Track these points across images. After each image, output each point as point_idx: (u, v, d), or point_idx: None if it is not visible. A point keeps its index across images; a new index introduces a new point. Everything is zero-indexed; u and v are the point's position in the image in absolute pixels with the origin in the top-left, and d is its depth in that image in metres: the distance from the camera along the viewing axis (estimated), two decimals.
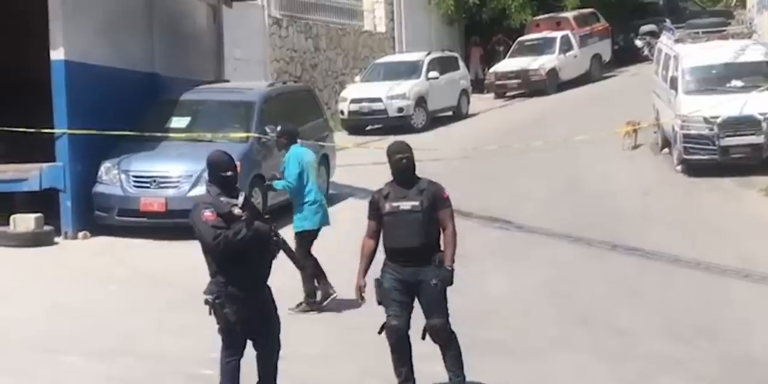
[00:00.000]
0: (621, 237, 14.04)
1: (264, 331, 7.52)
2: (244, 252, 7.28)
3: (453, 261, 7.86)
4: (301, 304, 10.84)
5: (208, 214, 7.28)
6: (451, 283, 7.86)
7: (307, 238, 11.09)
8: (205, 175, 14.13)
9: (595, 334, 10.08)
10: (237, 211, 7.31)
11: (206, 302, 7.36)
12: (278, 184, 11.43)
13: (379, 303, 7.92)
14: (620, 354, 9.46)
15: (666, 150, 19.74)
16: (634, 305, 11.12)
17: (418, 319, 7.95)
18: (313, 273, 10.83)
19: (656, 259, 12.98)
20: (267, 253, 7.44)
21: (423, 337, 7.92)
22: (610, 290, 11.78)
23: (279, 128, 12.16)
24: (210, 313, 7.41)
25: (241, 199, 7.40)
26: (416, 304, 7.97)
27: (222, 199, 7.37)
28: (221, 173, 7.52)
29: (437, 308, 7.87)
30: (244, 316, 7.35)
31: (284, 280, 8.22)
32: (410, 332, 7.92)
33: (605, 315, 10.77)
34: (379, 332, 7.92)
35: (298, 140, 11.77)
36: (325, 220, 11.28)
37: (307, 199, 11.20)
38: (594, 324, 10.44)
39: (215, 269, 7.38)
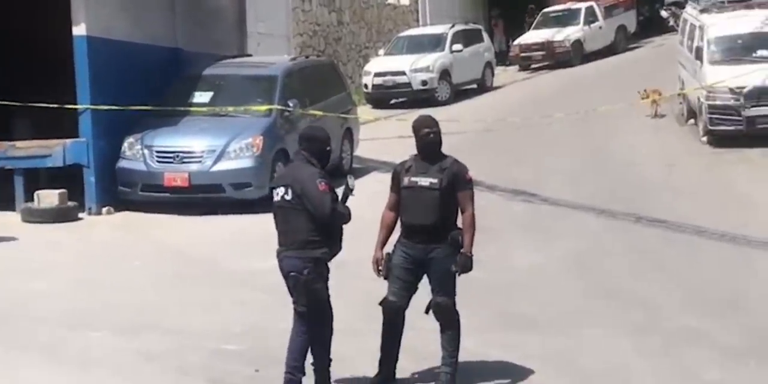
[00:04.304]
0: (646, 209, 13.95)
1: None
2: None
3: (472, 246, 7.75)
4: None
5: (324, 184, 7.43)
6: (470, 269, 7.76)
7: None
8: (229, 149, 14.63)
9: (620, 307, 10.01)
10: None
11: (294, 278, 7.44)
12: None
13: (385, 277, 7.87)
14: (645, 327, 9.39)
15: (691, 121, 19.59)
16: (659, 278, 11.05)
17: (425, 294, 7.94)
18: None
19: (681, 231, 12.89)
20: None
21: (426, 312, 7.88)
22: (635, 263, 11.71)
23: None
24: (294, 291, 7.48)
25: (351, 182, 7.74)
26: (424, 280, 7.93)
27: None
28: (327, 147, 7.77)
29: (445, 287, 7.80)
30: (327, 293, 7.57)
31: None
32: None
33: (630, 288, 10.70)
34: (380, 303, 7.90)
35: None
36: None
37: None
38: (618, 297, 10.37)
39: (307, 240, 7.42)
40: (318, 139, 7.76)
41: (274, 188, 7.69)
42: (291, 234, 7.50)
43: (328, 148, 7.80)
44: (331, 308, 7.65)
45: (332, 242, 7.53)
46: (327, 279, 7.58)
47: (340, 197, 7.60)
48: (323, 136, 7.85)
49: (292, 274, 7.47)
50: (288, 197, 7.49)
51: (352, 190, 7.68)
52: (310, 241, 7.44)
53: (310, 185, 7.42)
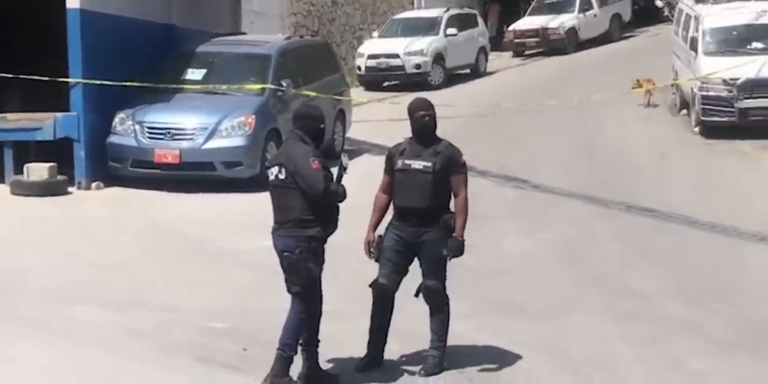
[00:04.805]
0: (637, 198, 13.96)
1: None
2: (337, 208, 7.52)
3: (463, 230, 7.72)
4: None
5: (317, 163, 7.38)
6: (461, 253, 7.74)
7: None
8: (221, 127, 14.58)
9: (609, 295, 10.02)
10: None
11: (287, 258, 7.41)
12: None
13: (376, 260, 7.85)
14: (633, 315, 9.39)
15: (684, 111, 19.60)
16: (649, 266, 11.07)
17: (416, 277, 7.93)
18: None
19: (672, 220, 12.90)
20: None
21: (416, 295, 7.88)
22: (625, 251, 11.72)
23: None
24: (288, 270, 7.43)
25: (345, 160, 7.62)
26: (414, 263, 7.91)
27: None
28: (320, 125, 7.70)
29: (435, 271, 7.79)
30: (320, 272, 7.51)
31: None
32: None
33: (619, 276, 10.71)
34: (370, 285, 7.89)
35: None
36: None
37: None
38: (608, 285, 10.38)
39: (299, 219, 7.38)
40: (312, 117, 7.71)
41: (269, 168, 7.65)
42: (285, 212, 7.47)
43: (322, 126, 7.73)
44: (320, 289, 7.62)
45: (326, 221, 7.48)
46: (323, 260, 7.53)
47: (334, 176, 7.55)
48: (317, 114, 7.80)
49: (285, 253, 7.45)
50: (282, 176, 7.46)
51: (345, 169, 7.63)
52: (304, 220, 7.41)
53: (302, 163, 7.39)
